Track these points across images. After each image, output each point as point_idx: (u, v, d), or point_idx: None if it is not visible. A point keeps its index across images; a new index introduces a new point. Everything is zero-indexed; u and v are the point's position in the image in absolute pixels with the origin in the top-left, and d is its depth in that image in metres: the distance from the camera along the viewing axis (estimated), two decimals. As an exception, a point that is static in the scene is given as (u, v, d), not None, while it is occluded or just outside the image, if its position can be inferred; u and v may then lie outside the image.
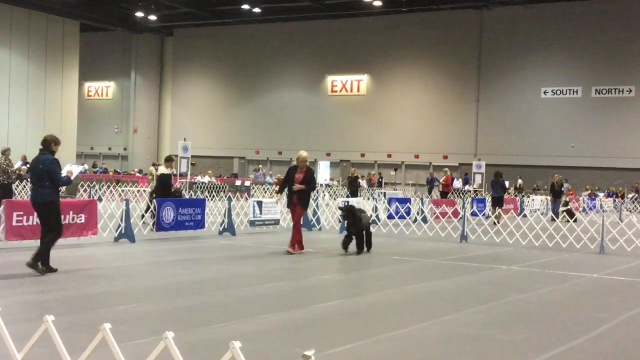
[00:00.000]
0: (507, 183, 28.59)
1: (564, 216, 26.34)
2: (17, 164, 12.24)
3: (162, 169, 20.51)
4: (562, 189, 32.29)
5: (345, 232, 15.86)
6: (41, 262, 11.11)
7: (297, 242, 15.04)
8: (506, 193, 28.17)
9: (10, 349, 3.79)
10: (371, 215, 23.08)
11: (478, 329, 8.13)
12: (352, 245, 15.36)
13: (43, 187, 11.23)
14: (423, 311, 9.18)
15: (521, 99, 50.90)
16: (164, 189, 19.91)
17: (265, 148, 58.67)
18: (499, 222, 22.88)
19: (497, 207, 25.87)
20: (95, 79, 65.27)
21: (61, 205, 15.11)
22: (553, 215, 24.18)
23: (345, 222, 15.67)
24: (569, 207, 29.21)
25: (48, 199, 11.30)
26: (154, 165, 44.60)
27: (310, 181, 15.14)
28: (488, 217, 26.60)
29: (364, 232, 15.36)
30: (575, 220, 24.02)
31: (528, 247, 17.87)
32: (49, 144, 11.53)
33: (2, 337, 4.05)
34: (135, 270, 12.35)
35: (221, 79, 61.53)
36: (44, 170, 11.21)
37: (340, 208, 16.62)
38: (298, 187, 14.93)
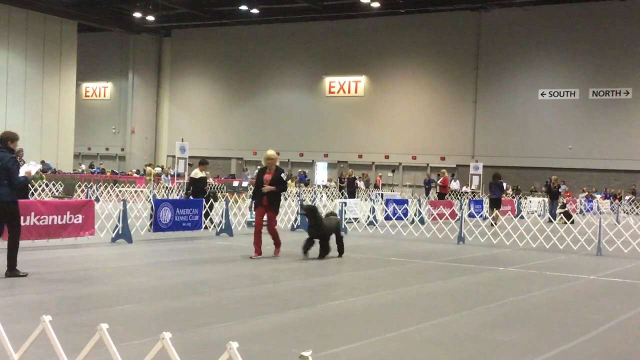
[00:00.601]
0: (504, 184, 28.78)
1: (561, 218, 26.39)
2: None
3: (197, 172, 20.69)
4: (560, 190, 32.43)
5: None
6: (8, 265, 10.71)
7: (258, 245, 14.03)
8: (504, 195, 28.27)
9: (8, 349, 3.79)
10: (368, 217, 23.11)
11: (475, 331, 8.13)
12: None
13: (1, 185, 10.59)
14: (420, 313, 9.19)
15: (519, 101, 50.97)
16: (198, 192, 20.10)
17: (263, 149, 58.33)
18: (496, 224, 22.91)
19: (494, 209, 25.96)
20: (93, 79, 65.25)
21: (59, 205, 15.16)
22: (550, 217, 24.23)
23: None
24: (566, 209, 29.27)
25: (7, 198, 10.66)
26: (149, 165, 44.80)
27: (279, 182, 14.19)
28: (486, 218, 26.62)
29: (328, 235, 14.41)
30: (572, 222, 24.05)
31: (525, 249, 17.89)
32: (6, 142, 10.83)
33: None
34: (133, 270, 12.33)
35: (219, 79, 61.52)
36: (2, 168, 10.57)
37: (301, 207, 15.47)
38: (267, 188, 13.97)
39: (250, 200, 16.74)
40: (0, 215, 10.75)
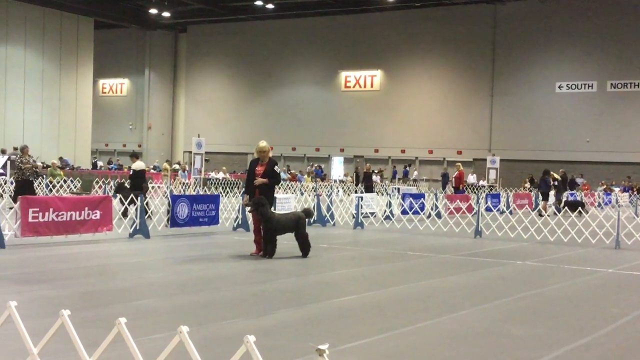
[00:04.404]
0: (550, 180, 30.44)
1: (566, 210, 26.63)
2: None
3: (139, 164, 21.32)
4: (577, 182, 32.86)
5: None
6: None
7: (257, 243, 13.62)
8: (552, 189, 31.20)
9: (27, 343, 3.83)
10: (385, 211, 23.05)
11: (492, 325, 8.11)
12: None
13: None
14: (437, 306, 9.17)
15: (536, 94, 50.65)
16: (138, 184, 20.69)
17: (279, 144, 58.66)
18: (541, 215, 22.69)
19: (543, 201, 28.34)
20: (110, 76, 65.55)
21: (77, 201, 15.26)
22: (555, 210, 24.50)
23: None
24: (565, 199, 30.29)
25: None
26: (167, 162, 44.97)
27: (272, 175, 13.58)
28: (502, 212, 26.54)
29: (279, 232, 13.33)
30: (580, 213, 23.73)
31: (543, 242, 17.80)
32: None
33: (19, 332, 4.08)
34: (150, 266, 12.40)
35: (235, 75, 61.61)
36: None
37: (246, 204, 13.91)
38: (259, 181, 13.41)
39: (242, 194, 16.36)
40: None
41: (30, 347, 3.83)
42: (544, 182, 29.96)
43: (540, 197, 30.52)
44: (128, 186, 21.42)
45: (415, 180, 43.55)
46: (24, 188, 21.27)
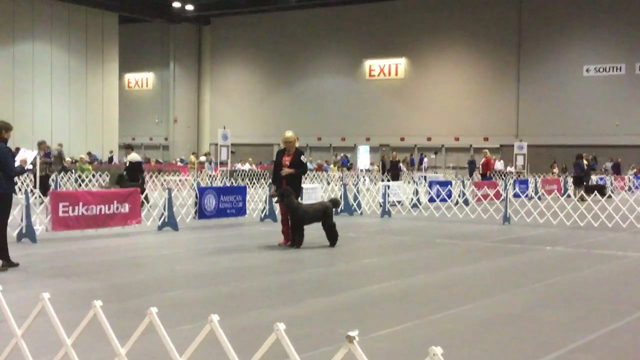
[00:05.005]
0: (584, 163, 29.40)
1: (582, 196, 25.95)
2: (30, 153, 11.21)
3: (135, 156, 21.89)
4: (607, 166, 32.46)
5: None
6: (1, 259, 10.35)
7: (285, 233, 13.66)
8: (585, 174, 29.71)
9: (61, 334, 3.88)
10: (412, 199, 22.99)
11: (522, 310, 8.06)
12: (321, 238, 13.76)
13: None
14: (467, 293, 9.13)
15: (563, 78, 50.08)
16: (136, 176, 21.07)
17: (305, 134, 58.63)
18: (582, 200, 22.47)
19: (577, 187, 27.46)
20: (135, 70, 65.96)
21: (106, 194, 15.42)
22: (578, 195, 24.36)
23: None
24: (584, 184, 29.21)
25: (3, 189, 10.17)
26: (193, 154, 45.21)
27: (299, 165, 13.63)
28: (531, 198, 26.33)
29: (306, 222, 13.37)
30: (595, 195, 23.27)
31: (573, 228, 17.64)
32: None
33: (52, 324, 4.13)
34: (179, 257, 12.50)
35: (259, 66, 61.69)
36: None
37: (273, 194, 14.10)
38: (286, 171, 13.44)
39: (269, 185, 16.34)
40: None
41: (64, 338, 3.87)
42: (577, 166, 29.21)
43: (572, 182, 30.08)
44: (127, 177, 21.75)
45: (425, 169, 43.43)
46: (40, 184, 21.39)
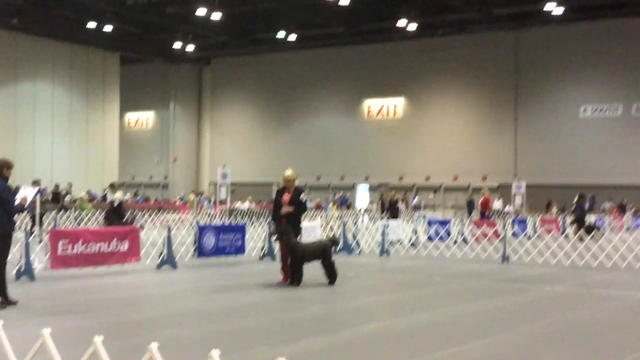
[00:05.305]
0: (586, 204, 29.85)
1: (580, 236, 25.82)
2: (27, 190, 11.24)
3: (118, 196, 21.98)
4: (606, 206, 32.43)
5: None
6: (0, 296, 10.35)
7: (284, 271, 13.66)
8: (586, 214, 30.31)
9: (62, 370, 3.90)
10: (411, 238, 22.99)
11: (521, 350, 8.06)
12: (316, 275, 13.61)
13: None
14: (466, 332, 9.12)
15: (560, 118, 50.36)
16: (120, 216, 21.51)
17: (304, 173, 58.70)
18: (582, 239, 22.43)
19: (578, 227, 27.21)
20: (136, 109, 66.33)
21: (105, 232, 15.44)
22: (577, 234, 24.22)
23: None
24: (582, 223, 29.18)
25: (4, 228, 10.17)
26: (193, 192, 45.32)
27: (299, 203, 13.68)
28: (530, 237, 26.34)
29: (305, 260, 13.34)
30: (593, 236, 23.34)
31: (572, 267, 17.63)
32: (0, 169, 10.29)
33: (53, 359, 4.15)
34: (179, 295, 12.48)
35: (259, 105, 62.09)
36: None
37: (273, 232, 14.31)
38: (286, 209, 13.51)
39: (269, 223, 16.41)
40: None
41: (65, 374, 3.90)
42: (579, 207, 29.26)
43: (571, 221, 30.07)
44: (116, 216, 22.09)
45: (417, 208, 43.54)
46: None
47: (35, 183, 23.68)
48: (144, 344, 3.89)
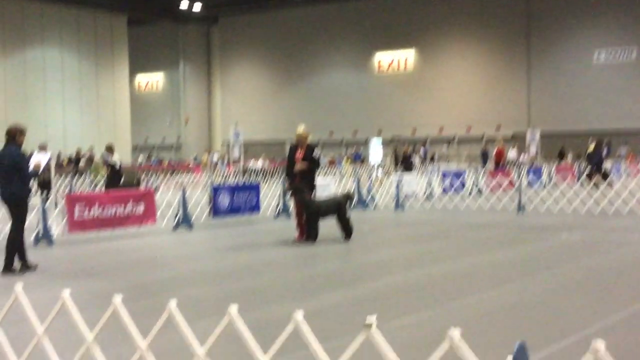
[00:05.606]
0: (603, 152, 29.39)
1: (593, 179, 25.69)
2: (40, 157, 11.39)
3: (116, 159, 22.25)
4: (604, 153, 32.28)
5: None
6: (20, 260, 10.55)
7: (300, 228, 13.65)
8: (604, 161, 29.84)
9: (82, 331, 3.93)
10: (425, 191, 22.96)
11: (539, 297, 8.06)
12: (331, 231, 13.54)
13: (12, 181, 10.31)
14: (483, 282, 9.14)
15: (573, 64, 49.73)
16: (119, 178, 21.70)
17: (316, 130, 58.51)
18: (598, 186, 22.29)
19: (594, 174, 26.65)
20: (145, 71, 66.13)
21: (120, 196, 15.51)
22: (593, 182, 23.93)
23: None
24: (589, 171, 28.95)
25: (19, 193, 10.40)
26: (207, 152, 45.44)
27: (312, 159, 13.56)
28: (545, 186, 26.23)
29: (320, 215, 13.36)
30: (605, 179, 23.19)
31: (588, 215, 17.56)
32: (14, 135, 10.44)
33: (72, 323, 4.18)
34: (195, 256, 12.56)
35: (269, 63, 61.70)
36: (12, 164, 10.28)
37: (288, 188, 14.25)
38: (300, 166, 13.47)
39: (283, 181, 16.38)
40: (13, 211, 10.47)
41: (86, 335, 3.92)
42: (597, 154, 28.95)
43: (588, 173, 29.67)
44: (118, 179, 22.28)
45: (424, 160, 43.26)
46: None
47: (42, 148, 23.74)
48: (162, 304, 3.90)
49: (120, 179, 21.51)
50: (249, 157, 45.25)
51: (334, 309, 7.70)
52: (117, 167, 22.48)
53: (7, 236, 10.74)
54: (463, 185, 24.12)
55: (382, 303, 8.01)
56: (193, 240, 14.70)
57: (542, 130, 43.02)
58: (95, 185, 28.20)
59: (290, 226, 15.30)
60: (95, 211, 14.62)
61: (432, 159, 46.45)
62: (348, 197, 14.47)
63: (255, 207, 18.54)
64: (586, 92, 49.14)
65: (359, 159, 51.03)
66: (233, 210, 17.90)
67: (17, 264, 10.52)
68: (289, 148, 14.30)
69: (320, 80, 59.26)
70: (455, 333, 2.75)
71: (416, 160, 42.01)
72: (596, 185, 22.93)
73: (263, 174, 36.64)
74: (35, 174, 10.93)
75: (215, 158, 42.19)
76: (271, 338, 3.48)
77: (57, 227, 14.74)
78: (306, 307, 7.60)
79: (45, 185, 20.96)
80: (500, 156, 32.82)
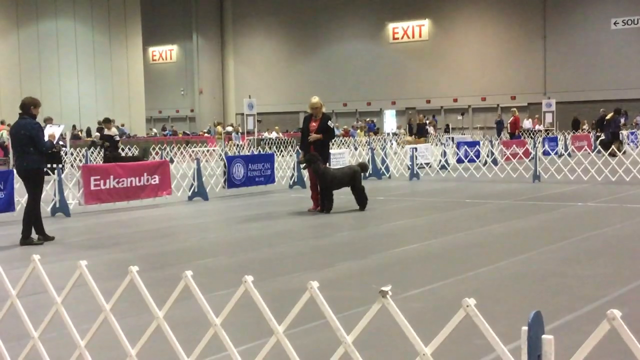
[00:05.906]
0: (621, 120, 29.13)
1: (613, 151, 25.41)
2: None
3: (114, 130, 23.24)
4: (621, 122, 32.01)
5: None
6: (38, 233, 10.62)
7: (314, 199, 13.68)
8: (620, 129, 29.93)
9: (99, 300, 3.95)
10: (440, 161, 22.89)
11: (556, 266, 8.04)
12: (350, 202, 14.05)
13: (27, 153, 10.38)
14: (499, 251, 9.12)
15: (590, 32, 49.12)
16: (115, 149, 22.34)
17: (330, 100, 58.33)
18: (614, 154, 22.11)
19: (613, 142, 26.66)
20: (159, 43, 65.99)
21: (136, 167, 15.57)
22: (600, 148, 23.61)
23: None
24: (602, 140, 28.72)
25: (34, 165, 10.47)
26: (219, 124, 45.40)
27: (327, 130, 13.52)
28: (561, 155, 26.07)
29: (335, 187, 13.39)
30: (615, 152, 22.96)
31: (604, 183, 17.45)
32: (28, 107, 10.52)
33: (89, 294, 4.20)
34: (211, 226, 12.61)
35: (282, 34, 61.36)
36: (27, 135, 10.33)
37: (301, 160, 14.12)
38: (314, 137, 13.40)
39: (297, 152, 16.41)
40: (29, 183, 10.55)
41: (103, 304, 3.95)
42: (614, 122, 28.80)
43: (602, 141, 29.13)
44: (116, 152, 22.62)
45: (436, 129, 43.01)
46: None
47: (48, 121, 23.80)
48: (178, 274, 3.92)
49: (117, 151, 21.95)
50: (263, 129, 45.20)
51: (349, 279, 7.72)
52: (117, 139, 22.83)
53: (24, 208, 10.83)
54: (478, 155, 24.01)
55: (398, 273, 8.01)
56: (208, 210, 14.75)
57: (558, 99, 42.67)
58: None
59: (305, 196, 15.31)
60: (111, 182, 14.70)
61: (446, 129, 46.25)
62: (363, 167, 14.46)
63: (270, 178, 18.56)
64: (602, 61, 48.58)
65: (373, 129, 50.87)
66: (248, 181, 17.94)
67: (34, 235, 10.61)
68: (304, 118, 14.27)
69: (333, 51, 58.91)
70: (470, 302, 2.74)
71: (430, 130, 41.84)
72: (613, 155, 22.73)
73: (277, 145, 36.64)
74: (51, 145, 10.97)
75: (230, 129, 42.22)
76: (287, 308, 3.48)
77: (73, 198, 14.85)
78: (321, 277, 7.64)
79: (57, 158, 21.11)
80: (515, 126, 32.62)
